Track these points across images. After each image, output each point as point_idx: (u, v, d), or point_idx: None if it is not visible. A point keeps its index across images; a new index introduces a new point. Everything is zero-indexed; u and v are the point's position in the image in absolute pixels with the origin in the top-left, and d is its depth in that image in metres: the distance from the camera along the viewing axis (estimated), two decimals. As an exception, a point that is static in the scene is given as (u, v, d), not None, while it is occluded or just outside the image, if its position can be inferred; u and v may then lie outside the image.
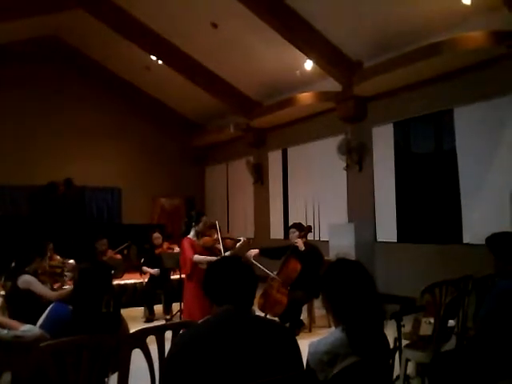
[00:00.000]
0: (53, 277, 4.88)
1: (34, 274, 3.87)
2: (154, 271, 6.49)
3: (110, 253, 6.88)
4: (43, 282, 4.12)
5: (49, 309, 2.51)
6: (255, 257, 5.39)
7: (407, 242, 6.91)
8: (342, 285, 1.78)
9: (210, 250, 4.95)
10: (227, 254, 4.93)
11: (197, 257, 4.77)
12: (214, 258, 4.70)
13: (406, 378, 3.16)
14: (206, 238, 5.00)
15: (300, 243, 5.37)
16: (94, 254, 6.58)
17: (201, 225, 4.99)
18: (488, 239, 2.95)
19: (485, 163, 5.94)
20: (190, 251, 4.81)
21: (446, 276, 3.61)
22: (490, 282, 3.22)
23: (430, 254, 6.49)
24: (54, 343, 2.07)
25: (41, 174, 9.30)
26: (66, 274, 5.13)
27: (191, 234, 4.99)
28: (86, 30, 8.88)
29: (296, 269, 5.27)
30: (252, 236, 9.07)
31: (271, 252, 5.68)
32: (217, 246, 4.98)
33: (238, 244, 5.17)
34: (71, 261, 5.72)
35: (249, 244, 5.34)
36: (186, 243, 4.90)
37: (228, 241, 5.17)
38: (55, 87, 9.80)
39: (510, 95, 5.59)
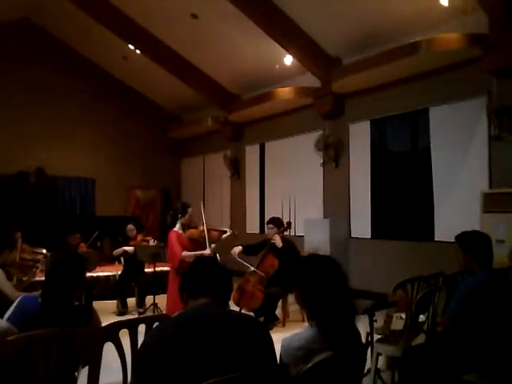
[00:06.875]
0: (22, 269, 4.74)
1: (2, 266, 3.76)
2: (130, 248, 6.38)
3: (82, 247, 6.73)
4: (12, 275, 4.01)
5: (17, 301, 2.44)
6: (239, 254, 5.42)
7: (381, 238, 7.02)
8: (314, 280, 1.78)
9: (196, 241, 4.89)
10: (213, 246, 4.89)
11: (185, 253, 4.71)
12: (200, 253, 4.68)
13: (377, 371, 3.23)
14: (192, 231, 4.93)
15: (278, 240, 5.36)
16: (65, 248, 6.41)
17: (187, 216, 4.91)
18: (458, 237, 3.05)
19: (457, 163, 6.08)
20: (179, 248, 4.72)
21: (418, 272, 3.70)
22: (459, 279, 3.31)
23: (403, 250, 6.62)
24: (22, 336, 2.01)
25: (9, 162, 8.94)
26: (37, 265, 4.99)
27: (177, 227, 4.89)
28: (60, 15, 8.62)
29: (274, 265, 5.28)
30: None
31: (252, 249, 5.67)
32: (203, 237, 4.87)
33: (223, 236, 5.13)
34: (43, 250, 5.58)
35: (235, 237, 5.31)
36: (173, 237, 4.80)
37: (214, 232, 5.11)
38: (26, 73, 9.40)
39: (483, 97, 5.73)
